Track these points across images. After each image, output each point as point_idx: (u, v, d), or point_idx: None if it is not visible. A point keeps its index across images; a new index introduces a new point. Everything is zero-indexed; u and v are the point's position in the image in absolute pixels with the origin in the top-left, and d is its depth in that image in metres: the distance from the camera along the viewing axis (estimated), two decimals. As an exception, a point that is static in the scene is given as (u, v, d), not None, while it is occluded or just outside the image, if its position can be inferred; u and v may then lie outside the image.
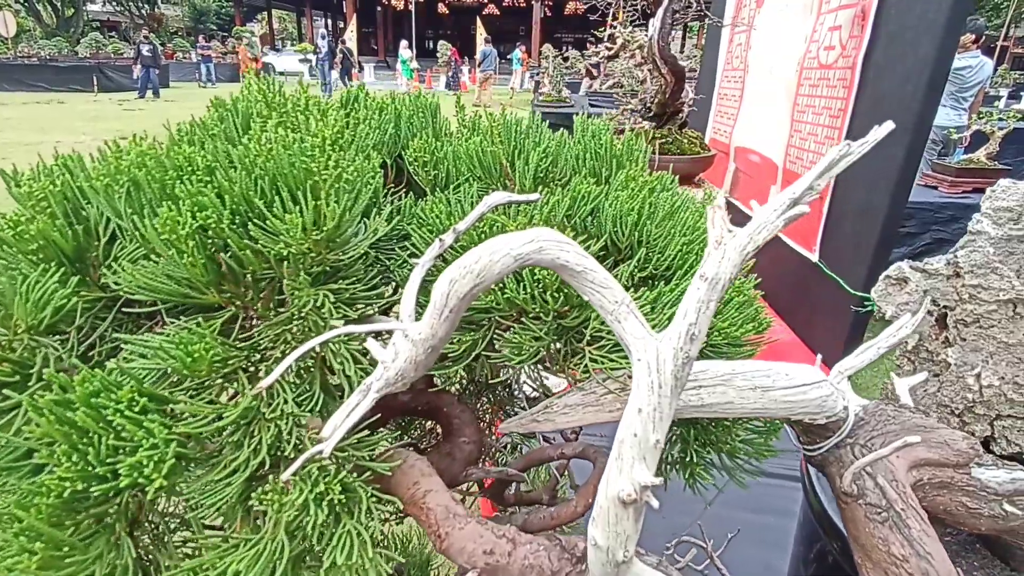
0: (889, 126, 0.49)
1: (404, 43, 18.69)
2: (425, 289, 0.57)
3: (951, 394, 1.00)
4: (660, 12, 2.44)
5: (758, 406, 0.60)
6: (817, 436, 0.68)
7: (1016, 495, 0.76)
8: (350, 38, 19.36)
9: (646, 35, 2.79)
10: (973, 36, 5.48)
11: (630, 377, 0.63)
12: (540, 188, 0.74)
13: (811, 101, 3.08)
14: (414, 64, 18.18)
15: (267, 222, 0.51)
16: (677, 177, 0.89)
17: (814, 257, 2.86)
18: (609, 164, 0.81)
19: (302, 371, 0.57)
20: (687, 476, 0.72)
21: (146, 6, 27.26)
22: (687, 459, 0.69)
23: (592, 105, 8.20)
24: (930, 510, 0.73)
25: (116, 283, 0.53)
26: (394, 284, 0.66)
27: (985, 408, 0.97)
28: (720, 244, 0.46)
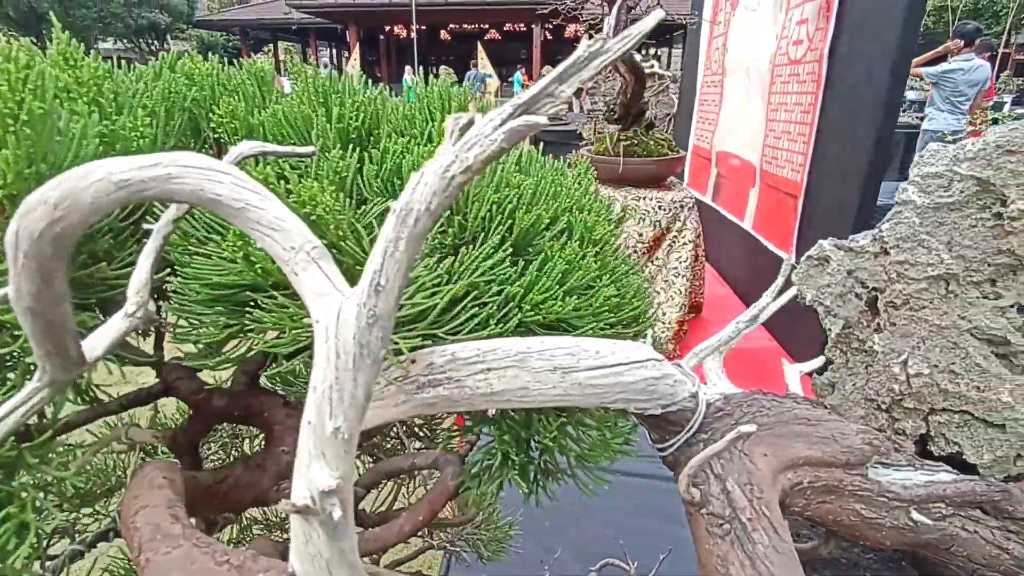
0: (659, 14, 0.38)
1: (408, 69, 18.93)
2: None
3: (877, 386, 0.87)
4: (614, 10, 2.36)
5: (559, 392, 0.48)
6: (666, 432, 0.55)
7: (929, 501, 0.63)
8: (353, 66, 19.66)
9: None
10: (962, 41, 5.38)
11: (412, 362, 0.51)
12: (352, 148, 0.64)
13: (783, 99, 2.98)
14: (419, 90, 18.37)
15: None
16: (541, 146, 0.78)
17: (791, 258, 2.72)
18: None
19: None
20: (527, 484, 0.60)
21: (156, 42, 27.97)
22: (510, 462, 0.57)
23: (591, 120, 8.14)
24: (818, 520, 0.60)
25: None
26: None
27: (916, 401, 0.84)
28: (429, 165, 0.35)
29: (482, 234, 0.55)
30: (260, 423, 0.73)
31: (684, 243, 2.67)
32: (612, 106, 2.75)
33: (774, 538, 0.48)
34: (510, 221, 0.56)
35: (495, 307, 0.53)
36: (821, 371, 1.02)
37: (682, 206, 2.68)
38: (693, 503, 0.51)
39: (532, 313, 0.54)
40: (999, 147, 0.78)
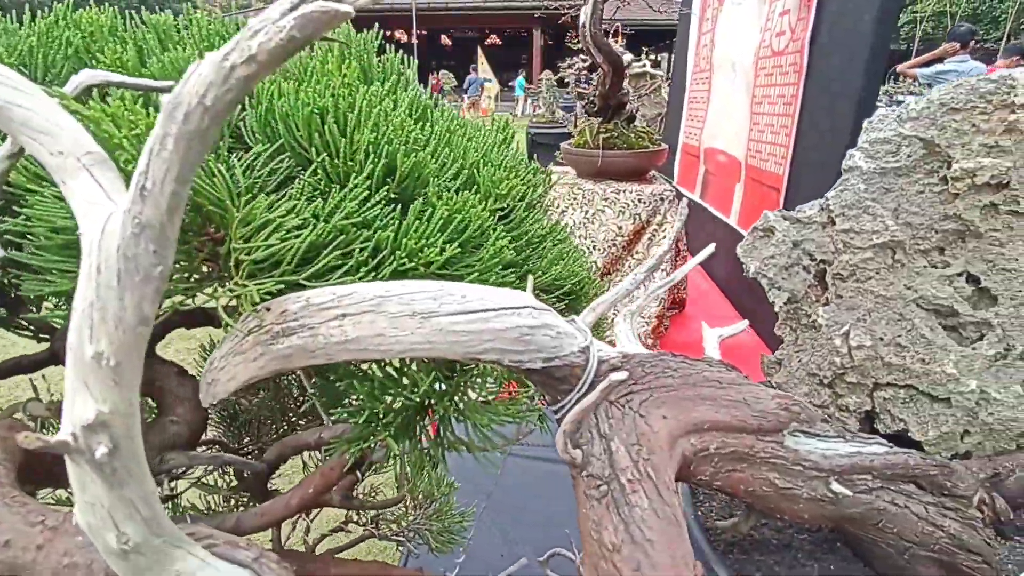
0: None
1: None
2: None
3: (819, 360, 0.82)
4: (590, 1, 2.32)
5: (419, 339, 0.44)
6: (557, 392, 0.51)
7: (853, 472, 0.58)
8: (351, 70, 19.61)
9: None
10: (958, 44, 5.35)
11: (268, 310, 0.47)
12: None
13: (767, 91, 2.94)
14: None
15: None
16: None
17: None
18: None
19: None
20: (411, 448, 0.56)
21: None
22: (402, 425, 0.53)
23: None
24: (728, 491, 0.55)
25: None
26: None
27: (859, 375, 0.79)
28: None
29: (358, 170, 0.51)
30: (152, 392, 0.69)
31: (664, 237, 2.62)
32: (591, 98, 2.71)
33: (656, 501, 0.44)
34: (388, 162, 0.52)
35: (366, 253, 0.49)
36: (772, 349, 0.98)
37: (662, 199, 2.64)
38: (574, 464, 0.47)
39: (407, 261, 0.50)
40: (943, 105, 0.74)
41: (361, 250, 0.49)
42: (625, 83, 2.72)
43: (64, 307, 0.54)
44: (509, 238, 0.58)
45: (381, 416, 0.49)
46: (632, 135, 2.74)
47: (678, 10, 4.81)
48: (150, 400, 0.86)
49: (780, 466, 0.55)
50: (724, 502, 0.79)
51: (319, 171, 0.52)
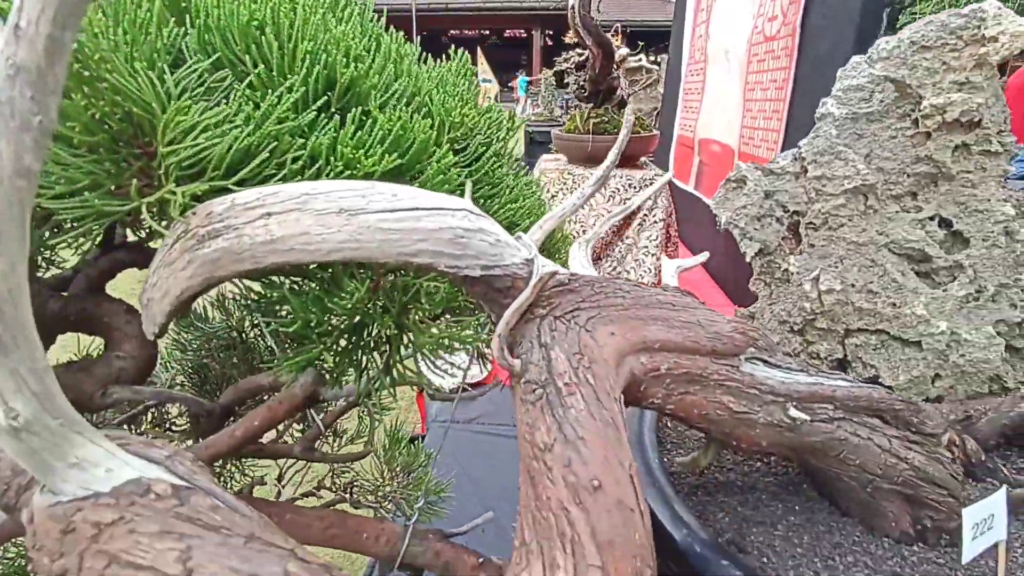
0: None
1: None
2: None
3: (789, 307, 0.81)
4: (580, -17, 2.31)
5: (346, 237, 0.42)
6: (500, 307, 0.49)
7: (812, 401, 0.56)
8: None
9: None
10: None
11: (194, 214, 0.46)
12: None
13: (759, 78, 2.93)
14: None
15: None
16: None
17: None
18: None
19: None
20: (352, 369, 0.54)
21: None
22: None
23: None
24: (682, 416, 0.54)
25: None
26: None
27: (829, 321, 0.77)
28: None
29: (290, 75, 0.49)
30: (100, 329, 0.67)
31: (655, 221, 2.61)
32: (581, 83, 2.70)
33: (593, 405, 0.42)
34: (327, 74, 0.51)
35: (301, 162, 0.48)
36: (746, 304, 0.96)
37: (652, 184, 2.62)
38: (512, 372, 0.45)
39: (342, 169, 0.48)
40: (913, 43, 0.73)
41: (295, 159, 0.47)
42: (616, 69, 2.70)
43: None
44: (456, 160, 0.56)
45: (316, 330, 0.48)
46: (623, 120, 2.73)
47: (672, 4, 4.80)
48: (97, 338, 0.85)
49: (735, 389, 0.53)
50: (691, 449, 0.78)
51: (255, 83, 0.50)
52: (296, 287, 0.49)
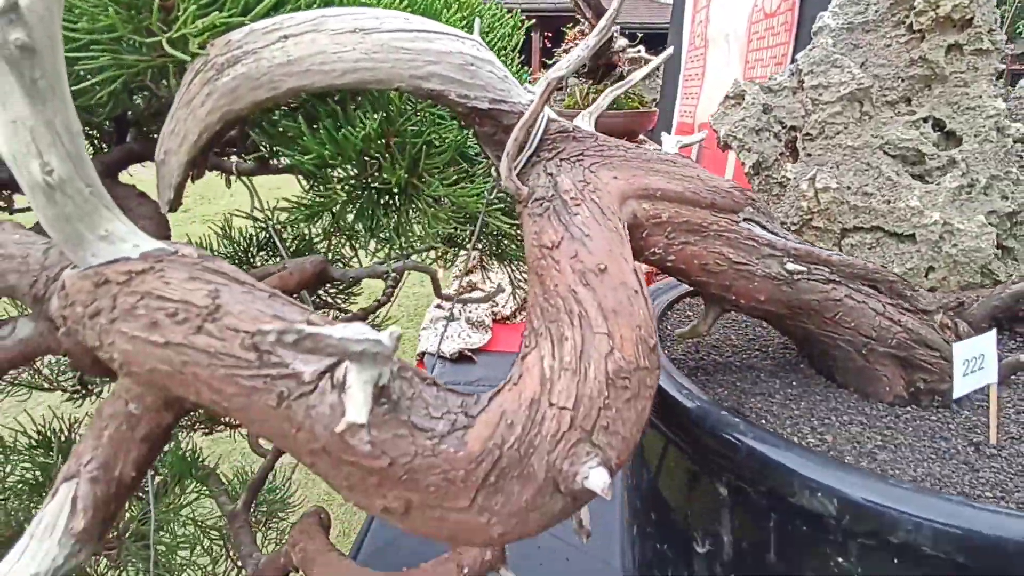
0: None
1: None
2: None
3: (786, 208, 0.82)
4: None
5: (360, 55, 0.44)
6: (499, 146, 0.51)
7: (809, 260, 0.58)
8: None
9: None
10: None
11: (212, 45, 0.47)
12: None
13: (759, 55, 2.96)
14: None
15: None
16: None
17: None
18: None
19: None
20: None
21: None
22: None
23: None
24: (683, 268, 0.55)
25: None
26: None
27: (826, 220, 0.79)
28: None
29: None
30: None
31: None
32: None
33: (597, 215, 0.44)
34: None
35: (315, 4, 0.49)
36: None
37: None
38: (519, 195, 0.47)
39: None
40: (908, -55, 0.74)
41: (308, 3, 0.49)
42: (615, 43, 2.73)
43: None
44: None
45: (332, 162, 0.49)
46: (622, 96, 2.75)
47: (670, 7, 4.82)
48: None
49: (734, 240, 0.55)
50: (684, 319, 0.79)
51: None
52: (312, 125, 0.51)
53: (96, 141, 0.79)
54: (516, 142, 0.46)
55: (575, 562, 1.28)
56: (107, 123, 0.74)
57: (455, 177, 0.56)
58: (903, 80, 0.79)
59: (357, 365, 0.28)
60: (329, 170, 0.50)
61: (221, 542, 1.07)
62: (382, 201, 0.55)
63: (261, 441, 1.16)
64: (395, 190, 0.53)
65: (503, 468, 0.34)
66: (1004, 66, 0.71)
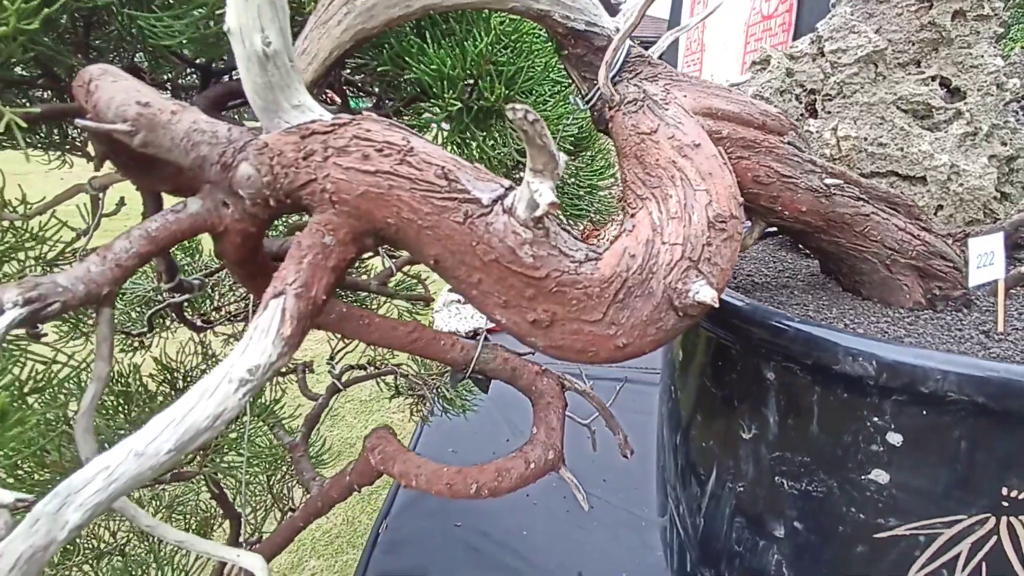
0: None
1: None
2: None
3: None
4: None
5: (486, -23, 0.52)
6: (589, 69, 0.59)
7: (843, 179, 0.67)
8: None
9: None
10: None
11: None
12: None
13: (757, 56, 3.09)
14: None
15: None
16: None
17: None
18: None
19: None
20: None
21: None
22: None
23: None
24: (738, 178, 0.64)
25: None
26: None
27: (847, 166, 0.89)
28: None
29: None
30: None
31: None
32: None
33: (683, 111, 0.52)
34: None
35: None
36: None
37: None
38: (611, 101, 0.55)
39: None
40: (919, -77, 0.84)
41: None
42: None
43: None
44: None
45: (451, 73, 0.57)
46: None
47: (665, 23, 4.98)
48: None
49: (782, 156, 0.64)
50: None
51: None
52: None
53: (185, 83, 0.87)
54: (615, 50, 0.54)
55: (599, 508, 1.36)
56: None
57: (539, 100, 0.65)
58: (913, 44, 0.90)
59: (542, 185, 0.36)
60: (444, 84, 0.58)
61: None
62: (478, 122, 0.63)
63: (310, 387, 1.23)
64: (494, 106, 0.62)
65: (629, 288, 0.42)
66: (1002, 29, 0.81)
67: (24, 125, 0.55)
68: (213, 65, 0.81)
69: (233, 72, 0.82)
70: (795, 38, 2.65)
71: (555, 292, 0.41)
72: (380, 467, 0.78)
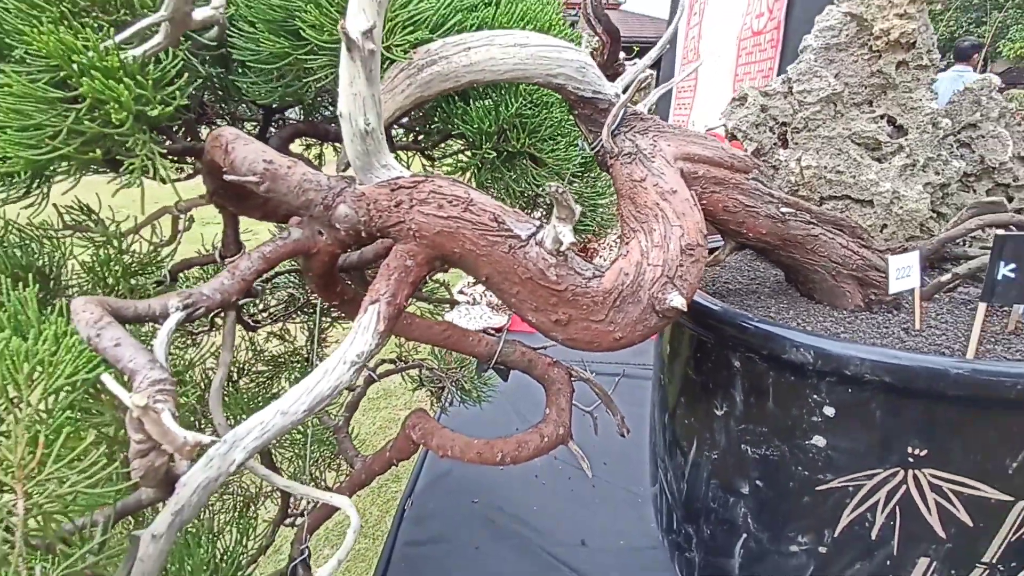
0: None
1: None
2: None
3: (780, 182, 1.09)
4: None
5: (518, 61, 0.69)
6: (597, 125, 0.76)
7: (796, 207, 0.84)
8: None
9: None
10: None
11: (415, 52, 0.73)
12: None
13: (747, 69, 3.26)
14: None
15: None
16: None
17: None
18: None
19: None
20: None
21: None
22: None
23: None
24: (708, 207, 0.81)
25: None
26: None
27: (808, 191, 1.06)
28: None
29: None
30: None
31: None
32: (591, 68, 2.99)
33: (664, 166, 0.69)
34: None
35: (475, 25, 0.75)
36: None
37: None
38: (612, 152, 0.72)
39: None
40: (868, -12, 1.02)
41: (472, 24, 0.75)
42: (622, 55, 3.01)
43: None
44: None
45: (488, 130, 0.74)
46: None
47: (664, 22, 5.13)
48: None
49: (746, 189, 0.81)
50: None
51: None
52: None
53: (256, 123, 1.04)
54: (615, 116, 0.71)
55: (600, 487, 1.53)
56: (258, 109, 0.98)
57: (555, 146, 0.82)
58: (865, 87, 1.07)
59: (563, 226, 0.53)
60: (482, 138, 0.75)
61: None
62: (506, 163, 0.80)
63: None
64: (518, 152, 0.79)
65: (624, 297, 0.59)
66: (939, 77, 0.98)
67: (166, 163, 0.72)
68: (274, 106, 0.98)
69: (287, 111, 1.00)
70: (783, 55, 2.82)
71: (571, 300, 0.58)
72: (420, 441, 0.95)
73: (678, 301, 0.58)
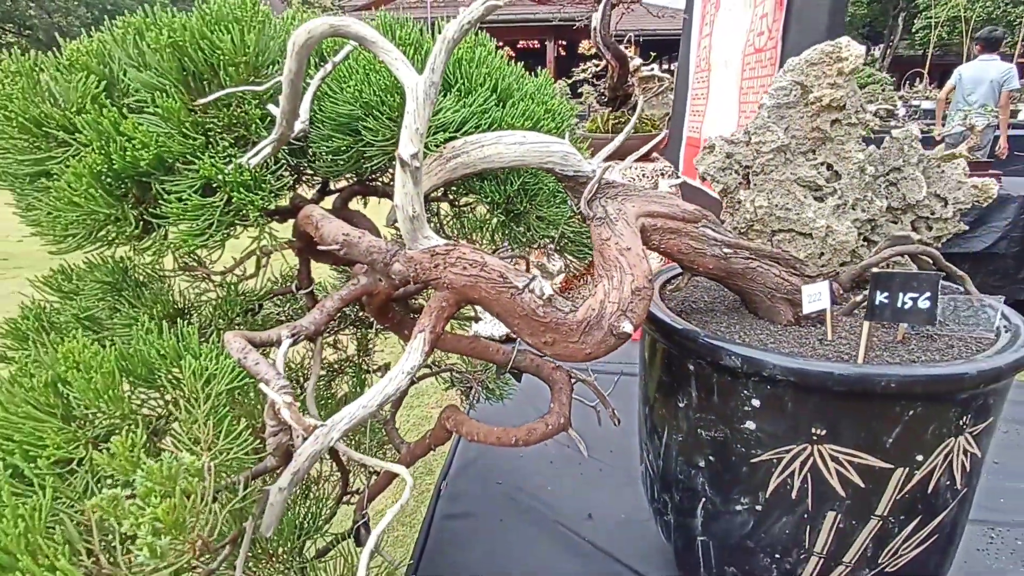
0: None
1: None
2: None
3: (739, 220, 1.34)
4: (600, 6, 2.87)
5: (520, 153, 0.97)
6: (578, 193, 1.03)
7: (737, 247, 1.10)
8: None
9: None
10: (979, 44, 5.86)
11: (445, 147, 1.01)
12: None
13: (751, 83, 3.46)
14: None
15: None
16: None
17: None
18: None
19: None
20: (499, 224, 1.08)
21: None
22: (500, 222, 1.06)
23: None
24: (667, 252, 1.08)
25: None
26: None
27: (761, 225, 1.31)
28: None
29: (479, 88, 1.04)
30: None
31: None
32: (602, 91, 3.25)
33: (626, 228, 0.96)
34: (493, 83, 1.06)
35: (486, 125, 1.03)
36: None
37: (662, 174, 3.16)
38: (588, 217, 0.99)
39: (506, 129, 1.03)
40: (807, 61, 1.27)
41: (484, 123, 1.02)
42: (631, 76, 3.25)
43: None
44: (552, 123, 1.11)
45: (497, 200, 1.02)
46: (638, 122, 3.27)
47: (681, 17, 5.33)
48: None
49: (695, 236, 1.07)
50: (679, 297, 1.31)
51: (460, 89, 1.05)
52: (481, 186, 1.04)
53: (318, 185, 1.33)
54: (589, 191, 0.98)
55: (606, 471, 1.80)
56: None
57: (550, 206, 1.09)
58: (808, 139, 1.31)
59: (545, 282, 0.81)
60: (494, 206, 1.03)
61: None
62: (514, 220, 1.07)
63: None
64: (522, 211, 1.06)
65: (591, 325, 0.86)
66: (866, 133, 1.22)
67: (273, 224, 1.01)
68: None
69: (344, 176, 1.29)
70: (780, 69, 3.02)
71: (555, 328, 0.85)
72: (453, 429, 1.23)
73: (628, 328, 0.85)
